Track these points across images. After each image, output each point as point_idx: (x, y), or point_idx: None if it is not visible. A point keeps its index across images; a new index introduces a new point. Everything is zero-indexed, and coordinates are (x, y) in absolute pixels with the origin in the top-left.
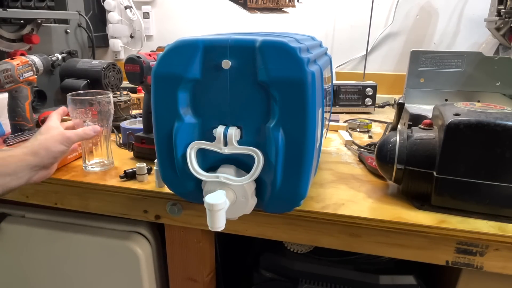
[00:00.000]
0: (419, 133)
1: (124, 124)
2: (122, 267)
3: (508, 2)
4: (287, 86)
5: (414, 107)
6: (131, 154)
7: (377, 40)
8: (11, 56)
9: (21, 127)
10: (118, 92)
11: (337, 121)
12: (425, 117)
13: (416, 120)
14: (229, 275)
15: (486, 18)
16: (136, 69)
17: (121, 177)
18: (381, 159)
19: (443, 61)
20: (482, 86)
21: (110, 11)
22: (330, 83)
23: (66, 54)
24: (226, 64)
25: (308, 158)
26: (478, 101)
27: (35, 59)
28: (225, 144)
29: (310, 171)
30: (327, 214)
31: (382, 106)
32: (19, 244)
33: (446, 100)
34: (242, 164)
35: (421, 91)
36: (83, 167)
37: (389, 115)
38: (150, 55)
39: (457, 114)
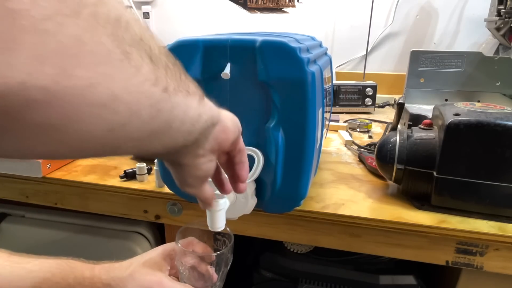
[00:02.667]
0: (419, 133)
1: None
2: None
3: (508, 2)
4: (287, 86)
5: (414, 107)
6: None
7: (377, 40)
8: None
9: None
10: None
11: (337, 121)
12: (425, 117)
13: (416, 120)
14: (229, 275)
15: (486, 18)
16: None
17: (121, 177)
18: (381, 159)
19: (443, 61)
20: (482, 86)
21: None
22: (330, 83)
23: None
24: (226, 75)
25: (308, 158)
26: (478, 101)
27: None
28: None
29: (310, 171)
30: (327, 214)
31: (382, 106)
32: (19, 244)
33: (446, 100)
34: None
35: (421, 91)
36: None
37: (389, 115)
38: None
39: (457, 114)
